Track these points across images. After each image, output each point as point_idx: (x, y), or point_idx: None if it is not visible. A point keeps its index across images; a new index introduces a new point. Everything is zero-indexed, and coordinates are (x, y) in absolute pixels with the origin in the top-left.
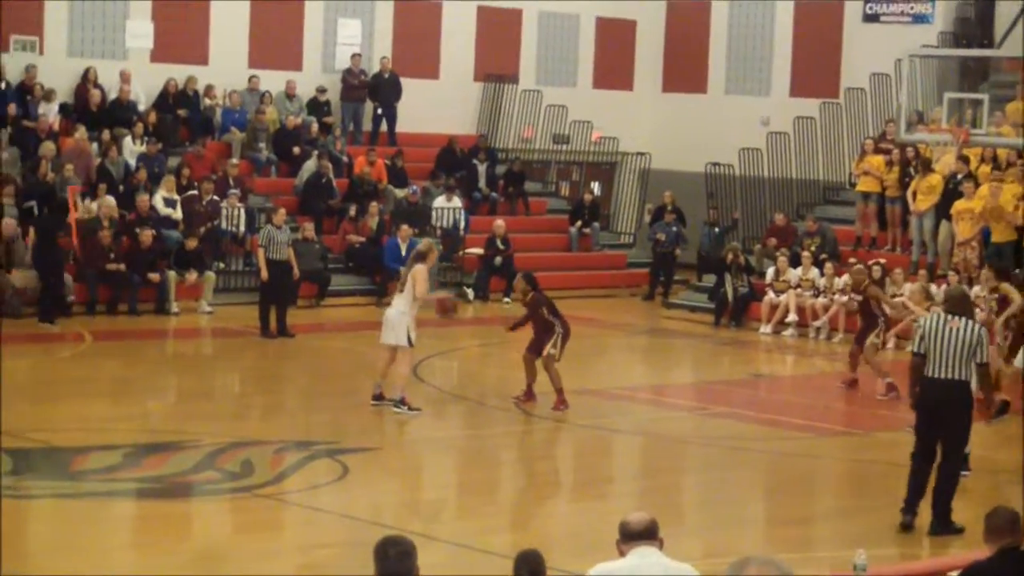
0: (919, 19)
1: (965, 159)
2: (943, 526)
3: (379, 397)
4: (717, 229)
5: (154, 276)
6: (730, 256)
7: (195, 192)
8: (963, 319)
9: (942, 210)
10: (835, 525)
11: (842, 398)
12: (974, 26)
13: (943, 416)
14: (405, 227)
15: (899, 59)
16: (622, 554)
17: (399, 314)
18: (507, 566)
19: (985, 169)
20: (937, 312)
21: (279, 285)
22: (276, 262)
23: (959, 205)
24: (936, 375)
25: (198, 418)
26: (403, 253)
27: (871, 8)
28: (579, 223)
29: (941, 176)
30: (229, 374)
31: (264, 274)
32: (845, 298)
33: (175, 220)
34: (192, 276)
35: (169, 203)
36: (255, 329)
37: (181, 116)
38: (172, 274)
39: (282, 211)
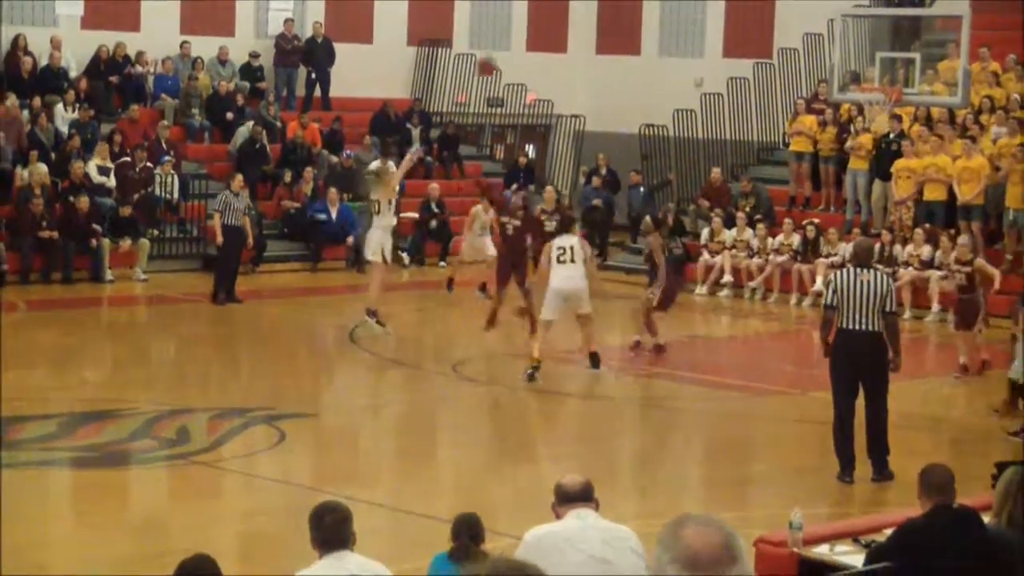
0: None
1: (898, 118)
2: (881, 471)
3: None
4: (643, 190)
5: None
6: (663, 216)
7: (128, 159)
8: (872, 271)
9: (875, 169)
10: (772, 484)
11: (779, 358)
12: None
13: (861, 364)
14: (332, 191)
15: (832, 19)
16: (558, 516)
17: (375, 230)
18: (445, 530)
19: (917, 128)
20: (848, 266)
21: (233, 252)
22: (231, 228)
23: (899, 164)
24: (850, 326)
25: (134, 386)
26: (332, 218)
27: None
28: (514, 186)
29: (874, 136)
30: (165, 341)
31: (219, 239)
32: (781, 258)
33: (109, 188)
34: (126, 243)
35: (103, 171)
36: (191, 296)
37: (113, 83)
38: (106, 242)
39: (239, 177)
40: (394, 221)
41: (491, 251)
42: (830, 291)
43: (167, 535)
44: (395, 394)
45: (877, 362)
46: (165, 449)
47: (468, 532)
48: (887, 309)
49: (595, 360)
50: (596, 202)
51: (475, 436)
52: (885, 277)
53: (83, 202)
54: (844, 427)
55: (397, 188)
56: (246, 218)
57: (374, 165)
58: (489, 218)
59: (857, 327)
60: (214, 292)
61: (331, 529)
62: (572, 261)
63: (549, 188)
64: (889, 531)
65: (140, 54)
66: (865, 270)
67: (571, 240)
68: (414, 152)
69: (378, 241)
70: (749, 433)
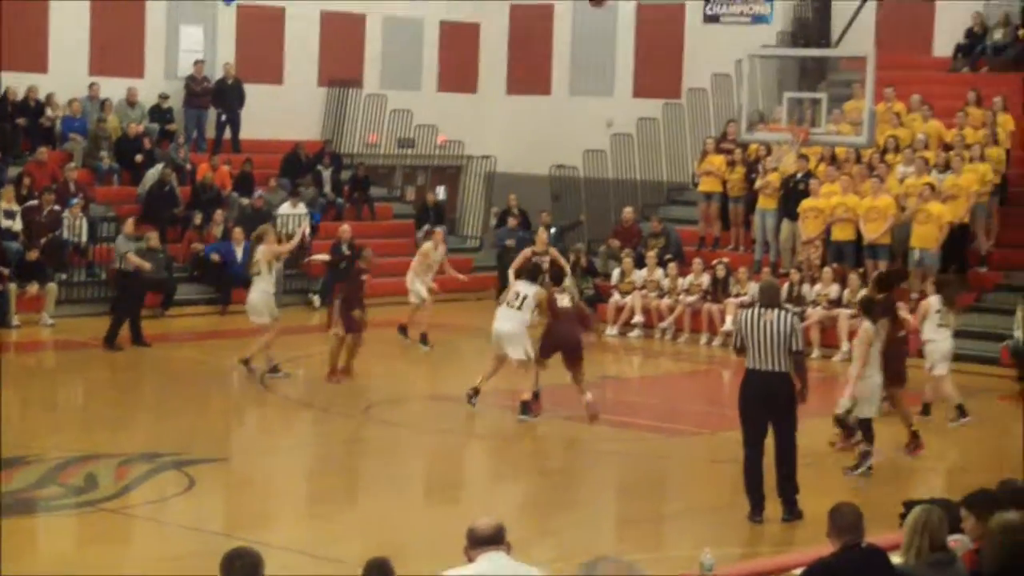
0: (758, 19)
1: (805, 158)
2: (791, 511)
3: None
4: (554, 230)
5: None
6: (573, 258)
7: (36, 202)
8: (776, 311)
9: (783, 209)
10: (684, 524)
11: (689, 398)
12: (812, 26)
13: (769, 404)
14: (238, 230)
15: (739, 59)
16: (470, 560)
17: (260, 293)
18: (358, 573)
19: (823, 168)
20: (753, 306)
21: (136, 295)
22: (127, 272)
23: (806, 204)
24: (756, 366)
25: (41, 433)
26: (239, 257)
27: (711, 9)
28: (426, 227)
29: (781, 175)
30: (73, 387)
31: (147, 266)
32: (691, 298)
33: (15, 232)
34: (33, 288)
35: (9, 215)
36: (99, 341)
37: (21, 125)
38: (12, 286)
39: (130, 221)
40: (272, 288)
41: (425, 293)
42: (736, 335)
43: None
44: (306, 437)
45: (785, 402)
46: (72, 496)
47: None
48: (793, 348)
49: (523, 407)
50: (510, 242)
51: (387, 479)
52: (789, 316)
53: None
54: (753, 467)
55: (280, 257)
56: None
57: (260, 229)
58: (440, 256)
59: (763, 367)
60: (110, 336)
61: (245, 574)
62: (519, 308)
63: (541, 230)
64: (799, 571)
65: (50, 96)
66: (769, 310)
67: (530, 290)
68: (302, 229)
69: (264, 304)
70: (661, 473)
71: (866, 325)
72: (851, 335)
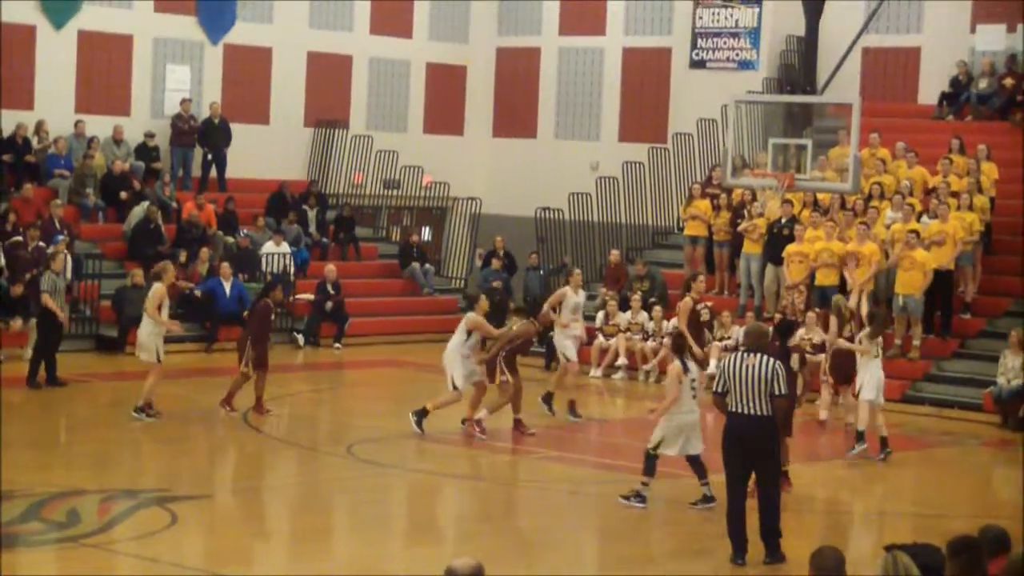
0: (744, 65)
1: (789, 203)
2: (773, 555)
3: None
4: (542, 272)
5: None
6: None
7: (20, 238)
8: (759, 355)
9: (768, 253)
10: (667, 567)
11: None
12: (798, 72)
13: (750, 449)
14: (225, 266)
15: (725, 105)
16: None
17: (148, 335)
18: None
19: (807, 213)
20: (737, 351)
21: (55, 334)
22: (48, 310)
23: (791, 249)
24: (739, 411)
25: (25, 468)
26: (227, 293)
27: (697, 55)
28: (415, 263)
29: (767, 220)
30: (56, 422)
31: (62, 315)
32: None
33: None
34: (17, 323)
35: None
36: (83, 377)
37: (6, 161)
38: None
39: (60, 257)
40: (163, 330)
41: (572, 353)
42: (719, 377)
43: None
44: (290, 476)
45: (767, 446)
46: (54, 532)
47: None
48: (776, 392)
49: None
50: (495, 284)
51: (370, 517)
52: (772, 361)
53: None
54: (736, 510)
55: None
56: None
57: (159, 266)
58: (581, 301)
59: (745, 411)
60: (31, 373)
61: None
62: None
63: (577, 271)
64: None
65: (40, 123)
66: (752, 354)
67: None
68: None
69: (152, 343)
70: (645, 516)
71: (676, 363)
72: None
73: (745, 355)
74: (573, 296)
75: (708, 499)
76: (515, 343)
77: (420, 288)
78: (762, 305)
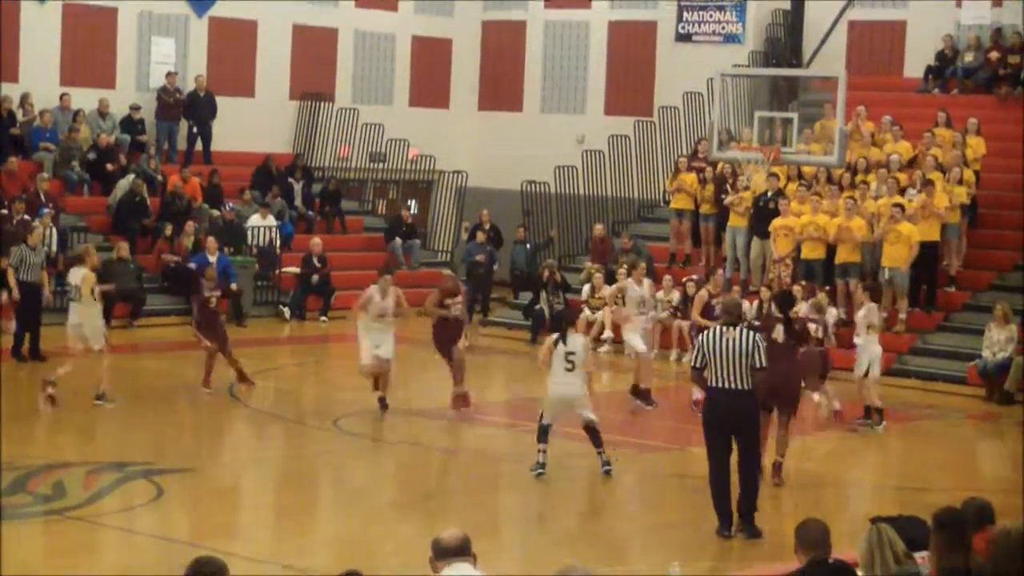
0: (730, 39)
1: (775, 176)
2: (752, 529)
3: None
4: (529, 246)
5: None
6: (546, 273)
7: (5, 211)
8: (738, 329)
9: (754, 227)
10: (653, 539)
11: (659, 414)
12: (783, 46)
13: (733, 424)
14: (211, 240)
15: (710, 78)
16: (436, 571)
17: (93, 320)
18: None
19: (793, 187)
20: (715, 325)
21: (32, 308)
22: (28, 284)
23: (777, 222)
24: (720, 385)
25: (8, 441)
26: (214, 267)
27: (683, 28)
28: (397, 239)
29: (752, 194)
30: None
31: (16, 294)
32: (662, 314)
33: None
34: (3, 297)
35: None
36: (69, 350)
37: None
38: None
39: (38, 231)
40: (98, 312)
41: (641, 345)
42: (698, 352)
43: None
44: (275, 449)
45: (749, 420)
46: (40, 504)
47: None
48: (756, 366)
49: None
50: (479, 257)
51: (357, 491)
52: (751, 334)
53: None
54: (720, 483)
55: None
56: (43, 273)
57: (79, 249)
58: (646, 293)
59: (726, 385)
60: (14, 347)
61: None
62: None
63: (642, 264)
64: None
65: (26, 96)
66: (732, 328)
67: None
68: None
69: (100, 328)
70: (630, 488)
71: (549, 337)
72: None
73: (724, 329)
74: (637, 288)
75: (607, 463)
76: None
77: (398, 264)
78: (748, 279)
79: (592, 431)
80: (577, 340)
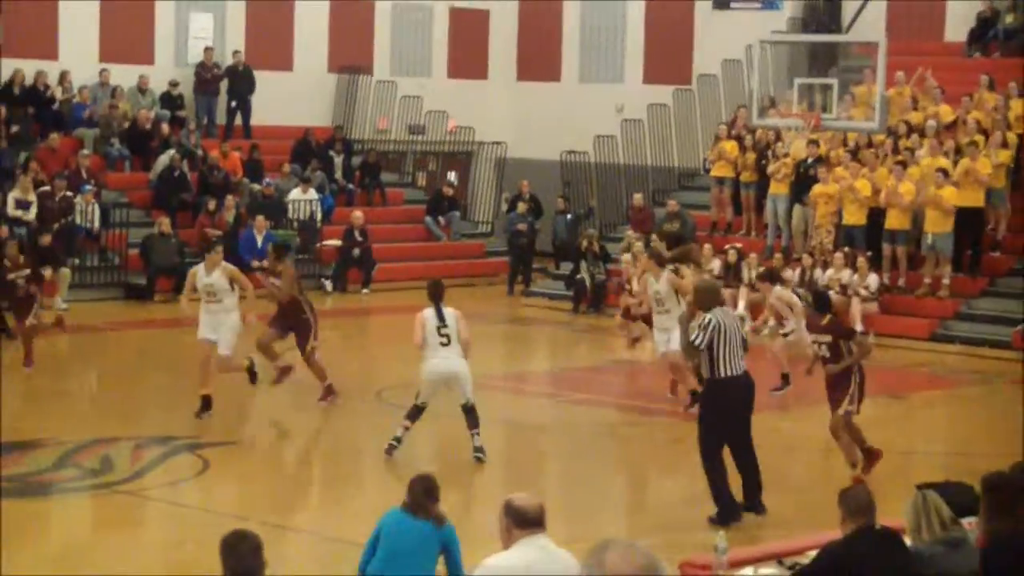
0: (769, 5)
1: (815, 143)
2: (758, 508)
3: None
4: (570, 216)
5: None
6: (585, 243)
7: (48, 188)
8: (725, 311)
9: (795, 194)
10: (696, 509)
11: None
12: (822, 12)
13: (744, 412)
14: (260, 218)
15: (749, 45)
16: (511, 538)
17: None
18: None
19: (838, 153)
20: (719, 309)
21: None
22: None
23: (816, 189)
24: (732, 373)
25: (56, 416)
26: (259, 245)
27: None
28: (428, 217)
29: (793, 160)
30: (86, 371)
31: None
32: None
33: (26, 221)
34: (47, 273)
35: (21, 204)
36: (112, 325)
37: (31, 111)
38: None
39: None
40: None
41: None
42: (709, 333)
43: (90, 565)
44: (319, 421)
45: (752, 405)
46: (88, 479)
47: (423, 487)
48: (746, 345)
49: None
50: (520, 226)
51: (399, 462)
52: (734, 314)
53: (1, 231)
54: (723, 474)
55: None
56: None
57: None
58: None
59: (737, 372)
60: None
61: (247, 557)
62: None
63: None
64: (812, 553)
65: (64, 74)
66: (721, 310)
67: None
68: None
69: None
70: (674, 457)
71: (422, 312)
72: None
73: (724, 312)
74: (654, 283)
75: (479, 449)
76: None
77: (436, 238)
78: (790, 246)
79: (470, 411)
80: (450, 312)
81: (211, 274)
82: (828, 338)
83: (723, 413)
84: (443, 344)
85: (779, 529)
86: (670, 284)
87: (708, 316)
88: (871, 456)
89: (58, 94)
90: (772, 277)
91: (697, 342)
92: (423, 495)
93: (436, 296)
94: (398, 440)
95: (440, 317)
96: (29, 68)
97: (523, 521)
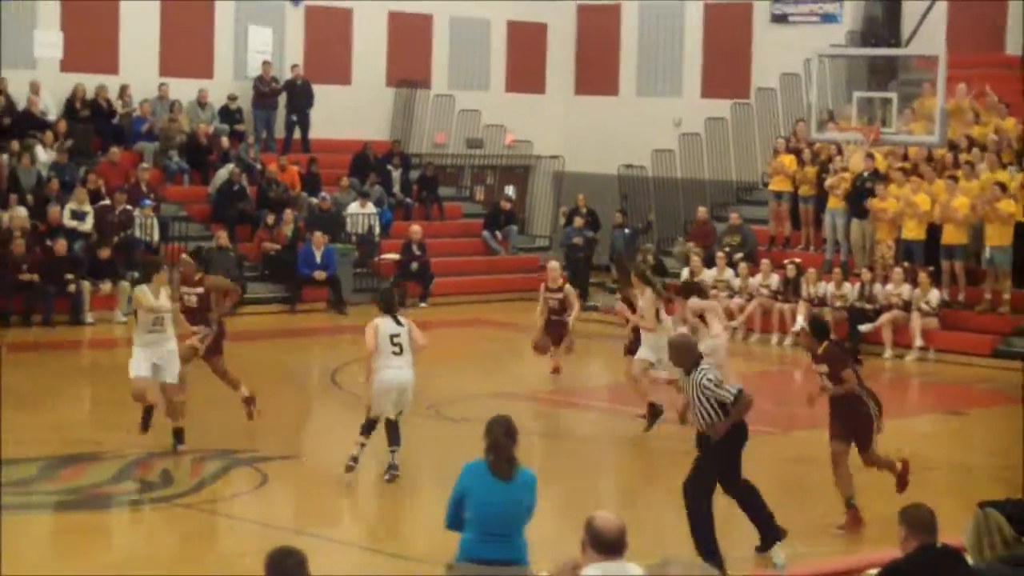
0: (827, 19)
1: (872, 156)
2: (777, 533)
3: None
4: (628, 230)
5: (72, 285)
6: (641, 257)
7: (108, 202)
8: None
9: (853, 208)
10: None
11: (759, 398)
12: (882, 25)
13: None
14: (319, 234)
15: (808, 59)
16: (587, 559)
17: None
18: (425, 569)
19: (898, 167)
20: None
21: None
22: None
23: (875, 204)
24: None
25: (116, 429)
26: (317, 260)
27: (779, 8)
28: (486, 231)
29: (852, 174)
30: None
31: None
32: (762, 297)
33: (82, 232)
34: (106, 286)
35: (77, 215)
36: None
37: (92, 125)
38: (86, 284)
39: None
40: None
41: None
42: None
43: None
44: (374, 435)
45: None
46: (147, 492)
47: (503, 429)
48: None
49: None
50: (576, 240)
51: (453, 477)
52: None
53: (60, 244)
54: (709, 524)
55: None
56: None
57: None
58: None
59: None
60: None
61: (292, 573)
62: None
63: (552, 263)
64: (873, 571)
65: (124, 88)
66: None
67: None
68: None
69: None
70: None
71: (375, 320)
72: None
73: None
74: (640, 300)
75: (394, 467)
76: None
77: (494, 252)
78: (849, 261)
79: (395, 426)
80: (403, 321)
81: (159, 297)
82: (825, 368)
83: (738, 453)
84: (395, 353)
85: (838, 545)
86: (651, 303)
87: (715, 371)
88: (899, 472)
89: (118, 108)
90: (688, 290)
91: (735, 389)
92: (504, 436)
93: (390, 305)
94: (355, 459)
95: (395, 324)
96: (90, 82)
97: (598, 544)
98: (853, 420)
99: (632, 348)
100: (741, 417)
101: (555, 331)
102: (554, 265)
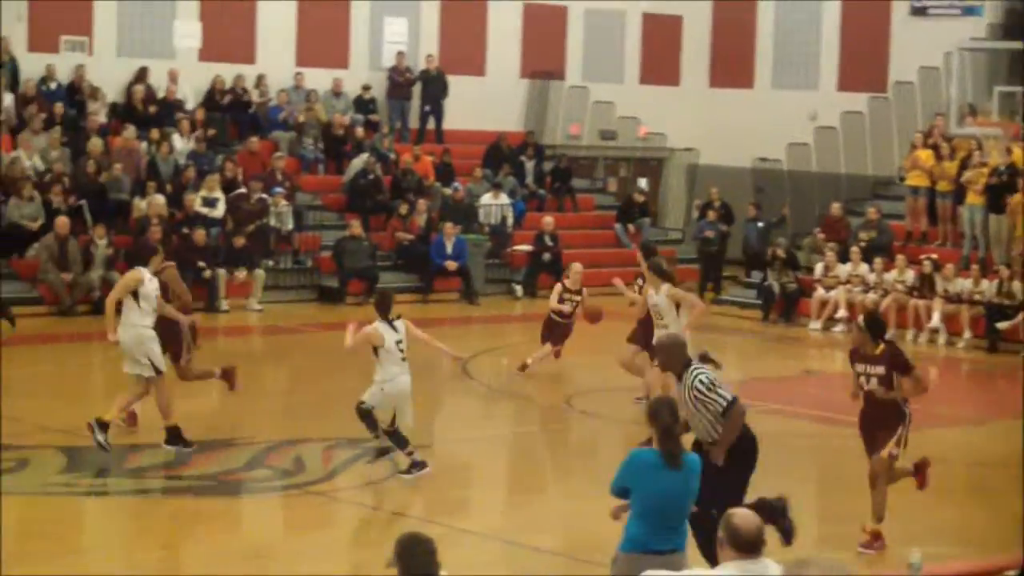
0: (968, 12)
1: (1009, 150)
2: (789, 530)
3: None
4: (761, 224)
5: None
6: (771, 252)
7: (243, 191)
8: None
9: (991, 203)
10: (890, 523)
11: None
12: None
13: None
14: (449, 225)
15: (948, 52)
16: (725, 557)
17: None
18: (556, 562)
19: None
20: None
21: None
22: None
23: (1015, 199)
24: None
25: (249, 416)
26: (448, 251)
27: (919, 1)
28: (618, 224)
29: (990, 170)
30: (280, 372)
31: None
32: (897, 292)
33: (214, 219)
34: (241, 274)
35: (208, 202)
36: (306, 327)
37: (229, 114)
38: (222, 272)
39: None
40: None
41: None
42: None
43: (281, 564)
44: (507, 426)
45: None
46: (280, 479)
47: (669, 412)
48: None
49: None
50: (709, 233)
51: (585, 469)
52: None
53: (199, 234)
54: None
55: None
56: None
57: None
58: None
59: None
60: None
61: (424, 560)
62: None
63: (577, 265)
64: (1012, 572)
65: (261, 77)
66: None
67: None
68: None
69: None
70: (864, 470)
71: (373, 324)
72: None
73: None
74: (653, 296)
75: (420, 464)
76: None
77: (625, 245)
78: (987, 256)
79: (399, 435)
80: (400, 324)
81: (155, 279)
82: (880, 370)
83: (751, 466)
84: (403, 359)
85: (970, 547)
86: (669, 298)
87: (709, 373)
88: (920, 470)
89: (255, 97)
90: (647, 251)
91: (730, 395)
92: (671, 420)
93: (385, 308)
94: (418, 462)
95: (393, 331)
96: (228, 72)
97: (735, 542)
98: (882, 428)
99: (636, 338)
100: (735, 433)
101: (558, 330)
102: (578, 267)
